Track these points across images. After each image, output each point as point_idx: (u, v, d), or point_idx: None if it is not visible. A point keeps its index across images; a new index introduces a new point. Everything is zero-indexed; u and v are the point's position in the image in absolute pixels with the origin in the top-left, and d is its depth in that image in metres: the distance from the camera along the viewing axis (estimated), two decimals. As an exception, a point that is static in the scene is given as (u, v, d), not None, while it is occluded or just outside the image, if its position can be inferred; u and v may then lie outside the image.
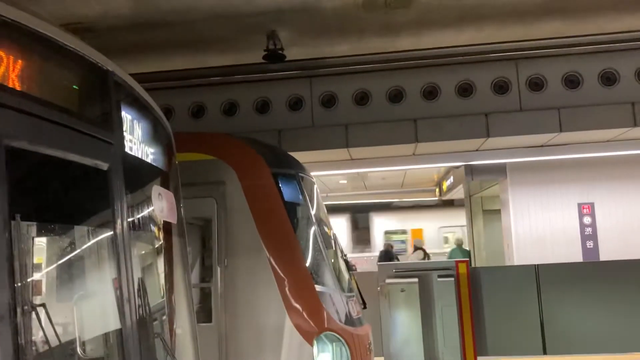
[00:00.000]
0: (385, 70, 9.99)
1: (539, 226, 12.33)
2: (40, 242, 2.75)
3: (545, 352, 9.91)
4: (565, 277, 10.14)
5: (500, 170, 12.61)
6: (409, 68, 9.95)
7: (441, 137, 10.29)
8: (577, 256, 11.98)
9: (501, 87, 10.10)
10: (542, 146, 11.38)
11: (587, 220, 12.30)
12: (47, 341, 2.20)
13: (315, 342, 5.91)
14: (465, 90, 10.12)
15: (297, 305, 6.00)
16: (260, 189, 6.39)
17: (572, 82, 9.99)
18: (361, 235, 24.86)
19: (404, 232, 23.26)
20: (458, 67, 10.04)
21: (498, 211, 14.02)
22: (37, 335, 2.17)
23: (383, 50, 9.06)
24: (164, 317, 3.54)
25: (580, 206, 12.33)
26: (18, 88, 2.22)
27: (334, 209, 22.05)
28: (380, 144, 10.42)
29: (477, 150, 11.50)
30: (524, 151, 11.58)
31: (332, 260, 6.84)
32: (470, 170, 12.93)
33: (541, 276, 10.10)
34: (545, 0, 7.77)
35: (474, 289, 10.10)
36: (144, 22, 7.61)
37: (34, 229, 2.46)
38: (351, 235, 24.21)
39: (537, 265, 10.31)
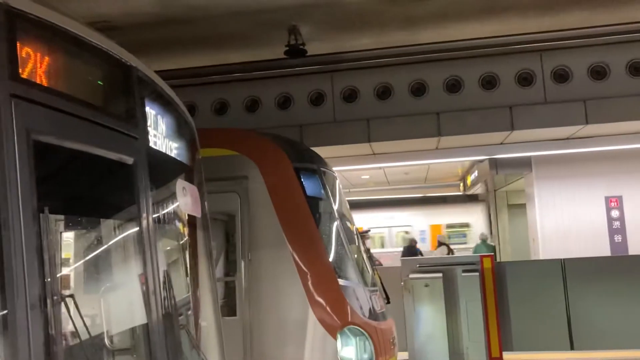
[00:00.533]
0: (407, 64, 9.93)
1: (565, 220, 12.15)
2: (68, 235, 2.81)
3: (572, 348, 9.77)
4: (593, 271, 9.98)
5: (525, 164, 12.46)
6: (432, 61, 9.88)
7: (464, 130, 10.20)
8: (604, 250, 11.79)
9: (525, 79, 9.97)
10: (567, 139, 11.21)
11: (615, 213, 12.09)
12: (75, 331, 2.24)
13: (338, 335, 5.92)
14: (488, 82, 10.01)
15: (321, 299, 6.02)
16: (283, 183, 6.41)
17: (598, 73, 9.81)
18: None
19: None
20: (481, 60, 9.93)
21: (523, 206, 13.85)
22: (66, 325, 2.21)
23: (405, 43, 9.01)
24: (189, 310, 3.58)
25: (608, 199, 12.12)
26: (45, 84, 2.27)
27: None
28: (403, 138, 10.37)
29: (501, 143, 11.38)
30: (549, 144, 11.42)
31: (355, 255, 6.84)
32: (495, 164, 12.81)
33: (568, 271, 9.96)
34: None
35: (499, 283, 9.99)
36: (167, 19, 7.68)
37: (61, 223, 2.51)
38: None
39: (564, 259, 10.17)
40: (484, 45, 9.24)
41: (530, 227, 12.94)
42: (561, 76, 9.90)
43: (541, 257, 11.92)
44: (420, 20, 8.24)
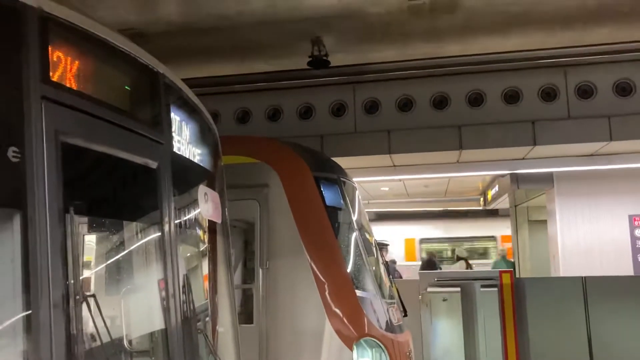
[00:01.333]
0: (429, 77, 9.92)
1: (587, 238, 11.96)
2: (92, 236, 2.85)
3: (592, 367, 9.59)
4: (615, 290, 9.80)
5: (547, 180, 12.31)
6: (454, 74, 9.85)
7: (486, 144, 10.13)
8: (627, 269, 11.56)
9: (549, 94, 9.88)
10: (591, 155, 11.06)
11: (638, 232, 11.87)
12: (96, 331, 2.28)
13: (354, 347, 5.90)
14: (511, 97, 9.95)
15: (337, 310, 6.00)
16: (302, 192, 6.43)
17: (623, 89, 9.69)
18: None
19: None
20: (504, 74, 9.87)
21: (544, 222, 13.67)
22: (87, 325, 2.24)
23: (428, 56, 9.01)
24: (207, 315, 3.61)
25: (632, 218, 11.91)
26: (74, 87, 2.32)
27: None
28: (423, 151, 10.33)
29: (523, 158, 11.27)
30: (572, 160, 11.27)
31: (373, 266, 6.82)
32: (516, 179, 12.67)
33: (589, 288, 9.79)
34: (597, 6, 7.58)
35: (518, 299, 9.87)
36: (192, 28, 7.79)
37: (85, 224, 2.56)
38: None
39: (585, 277, 10.01)
40: (507, 60, 9.19)
41: (551, 243, 12.76)
42: (585, 92, 9.80)
43: (561, 274, 11.74)
44: (443, 33, 8.24)
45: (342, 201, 6.78)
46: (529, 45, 8.80)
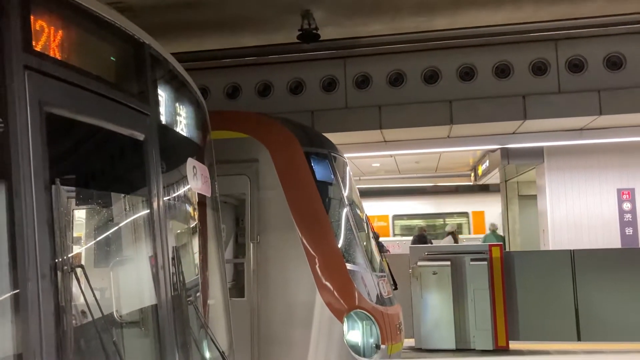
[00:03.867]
0: (420, 51, 9.86)
1: (576, 212, 12.08)
2: (78, 207, 2.84)
3: (579, 339, 9.77)
4: (602, 263, 9.95)
5: (537, 154, 12.37)
6: (445, 48, 9.80)
7: (477, 119, 10.14)
8: (615, 243, 11.71)
9: (539, 69, 9.87)
10: (581, 129, 11.11)
11: (626, 206, 11.99)
12: (85, 302, 2.28)
13: (345, 319, 5.96)
14: (502, 71, 9.93)
15: (328, 283, 6.06)
16: (293, 167, 6.43)
17: (614, 63, 9.69)
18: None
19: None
20: (495, 48, 9.84)
21: (534, 197, 13.78)
22: (76, 296, 2.25)
23: (418, 29, 8.93)
24: (198, 288, 3.62)
25: (620, 192, 12.02)
26: (58, 57, 2.29)
27: None
28: (414, 126, 10.33)
29: (513, 133, 11.31)
30: (562, 134, 11.32)
31: (364, 240, 6.87)
32: (507, 154, 12.72)
33: (577, 261, 9.93)
34: (587, -23, 7.53)
35: (507, 273, 10.00)
36: (180, 2, 7.68)
37: (72, 196, 2.55)
38: None
39: (573, 250, 10.14)
40: (498, 33, 9.14)
41: (541, 218, 12.88)
42: (576, 66, 9.79)
43: (551, 248, 11.88)
44: (434, 6, 8.17)
45: (332, 176, 6.79)
46: (519, 19, 8.74)
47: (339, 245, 6.33)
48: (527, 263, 10.18)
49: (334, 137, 7.73)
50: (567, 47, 9.79)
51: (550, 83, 9.85)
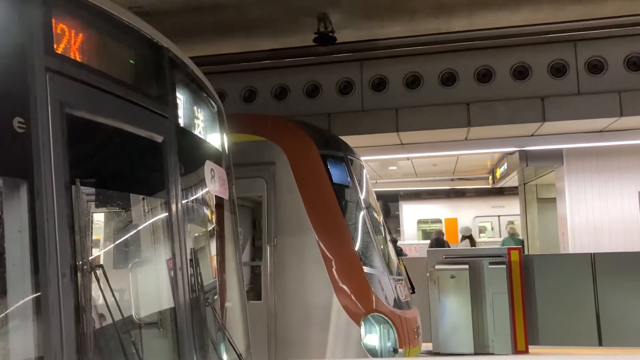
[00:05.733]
0: (437, 53, 9.82)
1: (596, 215, 11.90)
2: (97, 207, 2.86)
3: (600, 344, 9.61)
4: (624, 266, 9.78)
5: (556, 157, 12.22)
6: (462, 50, 9.74)
7: (495, 121, 10.06)
8: (636, 246, 11.52)
9: (558, 70, 9.77)
10: (601, 131, 10.96)
11: (648, 209, 11.80)
12: (104, 301, 2.30)
13: (362, 323, 5.93)
14: (520, 73, 9.84)
15: (345, 286, 6.03)
16: (309, 170, 6.43)
17: (635, 64, 9.56)
18: (390, 224, 24.56)
19: (437, 221, 22.80)
20: (513, 49, 9.76)
21: (553, 200, 13.61)
22: (95, 294, 2.26)
23: (435, 31, 8.89)
24: (216, 290, 3.63)
25: (641, 194, 11.84)
26: (79, 59, 2.31)
27: None
28: (432, 128, 10.28)
29: (532, 135, 11.19)
30: (581, 136, 11.18)
31: (380, 243, 6.83)
32: (525, 157, 12.59)
33: (598, 265, 9.78)
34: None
35: (526, 276, 9.87)
36: (197, 6, 7.73)
37: (92, 195, 2.57)
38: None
39: (594, 253, 9.99)
40: (516, 34, 9.06)
41: (560, 221, 12.72)
42: (595, 67, 9.67)
43: (570, 251, 11.72)
44: (451, 8, 8.13)
45: (349, 178, 6.77)
46: (538, 20, 8.66)
47: (356, 248, 6.31)
48: (547, 266, 10.05)
49: (350, 140, 7.72)
50: (586, 48, 9.67)
51: (570, 84, 9.74)
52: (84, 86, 2.31)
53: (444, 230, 18.91)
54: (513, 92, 9.87)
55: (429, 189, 22.55)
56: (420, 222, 22.97)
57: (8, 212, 1.95)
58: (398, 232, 23.42)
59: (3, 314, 1.96)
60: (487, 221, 22.65)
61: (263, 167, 6.37)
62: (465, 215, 22.06)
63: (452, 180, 20.77)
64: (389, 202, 24.47)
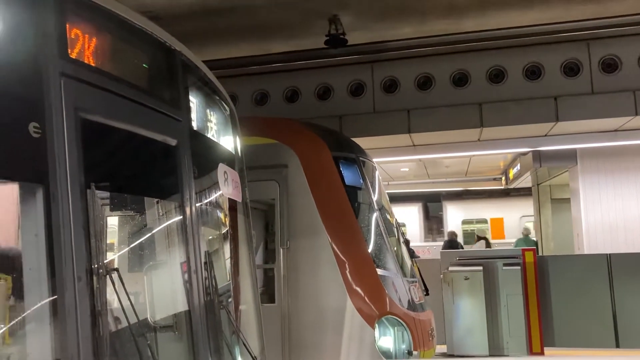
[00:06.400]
0: (449, 54, 9.79)
1: (612, 215, 11.78)
2: (112, 211, 2.88)
3: (618, 345, 9.50)
4: (641, 267, 9.67)
5: (570, 157, 12.12)
6: (474, 50, 9.70)
7: (507, 121, 10.00)
8: (653, 246, 11.40)
9: (571, 69, 9.69)
10: (615, 131, 10.85)
11: (664, 208, 11.66)
12: (119, 304, 2.30)
13: (376, 325, 5.91)
14: (533, 72, 9.78)
15: (359, 288, 6.01)
16: (321, 172, 6.42)
17: (650, 62, 9.47)
18: (433, 224, 24.32)
19: (483, 221, 22.45)
20: (525, 49, 9.70)
21: (567, 200, 13.49)
22: (110, 298, 2.27)
23: (446, 32, 8.86)
24: (230, 293, 3.63)
25: (657, 194, 11.70)
26: (93, 64, 2.33)
27: (404, 198, 21.69)
28: (444, 129, 10.24)
29: (545, 135, 11.11)
30: (595, 136, 11.08)
31: (394, 245, 6.81)
32: (539, 157, 12.49)
33: (614, 266, 9.67)
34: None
35: (541, 278, 9.79)
36: (208, 10, 7.77)
37: (107, 200, 2.58)
38: (423, 225, 23.61)
39: (610, 254, 9.88)
40: (528, 34, 9.00)
41: (575, 221, 12.61)
42: (609, 65, 9.59)
43: (585, 252, 11.60)
44: (462, 8, 8.10)
45: (361, 180, 6.75)
46: (550, 19, 8.60)
47: (369, 250, 6.29)
48: (562, 267, 9.95)
49: (362, 142, 7.71)
50: (599, 47, 9.59)
51: (583, 84, 9.66)
52: (98, 90, 2.32)
53: (489, 231, 18.53)
54: (526, 92, 9.80)
55: (472, 189, 22.13)
56: (464, 222, 22.57)
57: (25, 216, 1.96)
58: (441, 233, 23.05)
59: (21, 317, 1.97)
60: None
61: (275, 169, 6.37)
62: (511, 214, 21.61)
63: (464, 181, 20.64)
64: (429, 203, 24.19)
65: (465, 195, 23.04)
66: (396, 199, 21.75)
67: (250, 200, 4.24)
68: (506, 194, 22.06)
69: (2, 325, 2.04)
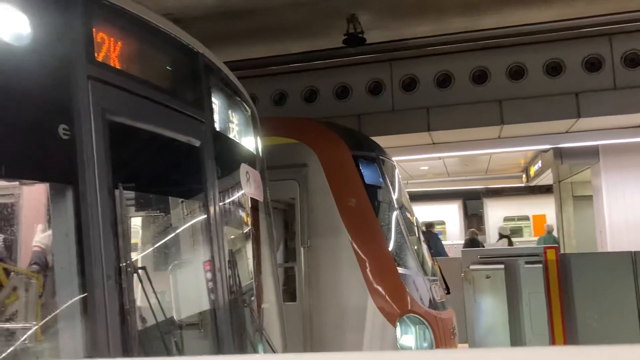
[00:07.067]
0: (468, 51, 9.72)
1: (636, 212, 11.60)
2: (139, 211, 2.93)
3: (643, 344, 9.35)
4: (666, 265, 9.51)
5: (592, 153, 11.96)
6: (494, 47, 9.63)
7: (528, 118, 9.90)
8: (678, 244, 11.19)
9: (593, 65, 9.57)
10: (638, 127, 10.69)
11: (688, 205, 11.46)
12: (147, 302, 2.35)
13: (398, 324, 5.91)
14: (554, 69, 9.67)
15: (380, 287, 6.02)
16: (341, 171, 6.44)
17: (673, 57, 9.31)
18: (474, 222, 24.03)
19: (525, 218, 22.15)
20: (546, 45, 9.60)
21: (589, 197, 13.32)
22: (138, 295, 2.32)
23: (465, 29, 8.80)
24: (252, 291, 3.67)
25: (682, 190, 11.50)
26: (118, 67, 2.38)
27: (443, 195, 21.50)
28: (464, 127, 10.17)
29: (567, 132, 10.98)
30: (618, 132, 10.92)
31: (414, 244, 6.80)
32: (560, 154, 12.35)
33: (638, 263, 9.53)
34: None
35: (564, 275, 9.68)
36: (227, 11, 7.82)
37: (133, 199, 2.63)
38: (463, 222, 23.34)
39: (634, 252, 9.74)
40: (548, 30, 8.90)
41: (597, 219, 12.43)
42: (632, 61, 9.44)
43: (609, 249, 11.44)
44: (480, 5, 8.04)
45: (381, 179, 6.76)
46: (570, 14, 8.49)
47: (390, 249, 6.29)
48: (585, 265, 9.83)
49: (381, 141, 7.70)
50: (622, 42, 9.45)
51: (605, 79, 9.53)
52: (124, 93, 2.38)
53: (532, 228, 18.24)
54: (546, 88, 9.70)
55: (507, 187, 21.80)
56: (506, 219, 22.28)
57: (55, 216, 2.01)
58: (482, 230, 22.76)
59: (53, 315, 2.02)
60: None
61: (295, 169, 6.40)
62: (554, 211, 21.45)
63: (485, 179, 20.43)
64: (467, 200, 23.92)
65: (505, 192, 22.67)
66: (434, 196, 21.69)
67: (271, 200, 4.27)
68: (547, 190, 21.73)
69: (35, 323, 2.10)
